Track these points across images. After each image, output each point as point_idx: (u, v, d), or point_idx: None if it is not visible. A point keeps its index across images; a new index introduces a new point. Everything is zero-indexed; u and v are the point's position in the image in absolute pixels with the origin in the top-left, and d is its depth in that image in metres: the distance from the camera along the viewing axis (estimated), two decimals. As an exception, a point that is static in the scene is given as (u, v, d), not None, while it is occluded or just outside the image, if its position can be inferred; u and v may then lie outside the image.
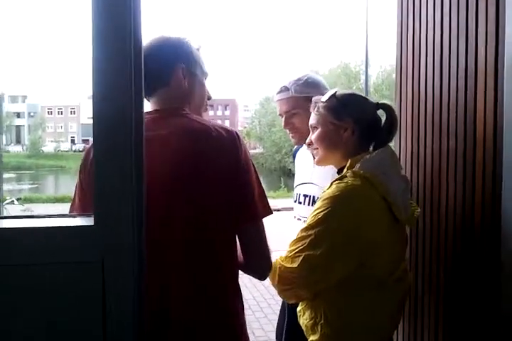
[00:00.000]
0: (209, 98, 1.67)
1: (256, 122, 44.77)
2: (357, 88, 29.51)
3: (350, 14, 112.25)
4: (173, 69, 1.55)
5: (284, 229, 2.28)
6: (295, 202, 2.27)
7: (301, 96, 2.16)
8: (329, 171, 2.06)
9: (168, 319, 1.41)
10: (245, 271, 1.55)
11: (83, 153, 1.57)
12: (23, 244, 0.96)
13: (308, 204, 2.18)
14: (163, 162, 1.42)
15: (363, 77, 28.61)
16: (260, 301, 5.44)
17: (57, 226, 0.99)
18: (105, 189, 0.96)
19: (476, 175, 1.81)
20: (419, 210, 1.82)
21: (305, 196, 2.22)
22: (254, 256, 1.52)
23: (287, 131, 2.23)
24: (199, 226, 1.43)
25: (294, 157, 2.48)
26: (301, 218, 2.21)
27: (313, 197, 2.16)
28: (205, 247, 1.44)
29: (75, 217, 1.10)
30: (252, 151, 38.86)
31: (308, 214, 2.12)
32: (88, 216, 1.05)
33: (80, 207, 1.53)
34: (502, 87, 1.65)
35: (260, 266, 1.54)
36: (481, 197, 1.78)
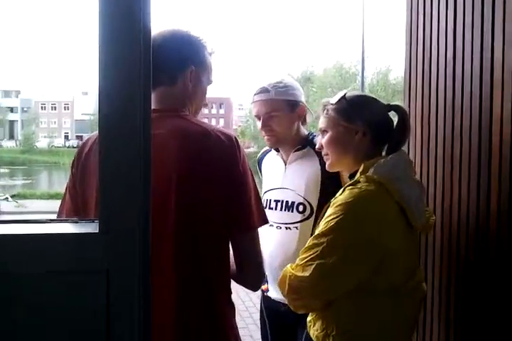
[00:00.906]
0: (205, 105, 1.62)
1: (251, 121, 44.66)
2: (352, 89, 29.51)
3: (347, 14, 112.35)
4: (184, 70, 1.48)
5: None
6: (265, 208, 2.19)
7: (281, 98, 2.13)
8: (302, 175, 2.09)
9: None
10: (237, 282, 1.51)
11: (77, 148, 1.51)
12: (21, 252, 0.89)
13: (281, 210, 2.15)
14: (157, 163, 1.36)
15: (358, 78, 28.63)
16: (257, 303, 5.35)
17: (59, 233, 0.92)
18: (111, 194, 0.89)
19: (492, 183, 1.74)
20: (434, 218, 1.76)
21: (276, 201, 2.17)
22: (248, 266, 1.48)
23: (262, 133, 2.18)
24: (190, 232, 1.38)
25: (259, 164, 2.40)
26: (274, 224, 2.16)
27: (288, 202, 2.13)
28: (196, 254, 1.39)
29: (77, 222, 1.03)
30: (246, 150, 38.70)
31: (283, 219, 2.12)
32: (92, 221, 0.99)
33: (72, 207, 1.47)
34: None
35: (253, 277, 1.51)
36: (497, 207, 1.71)
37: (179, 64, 1.48)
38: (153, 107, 1.47)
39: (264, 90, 2.14)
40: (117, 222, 0.90)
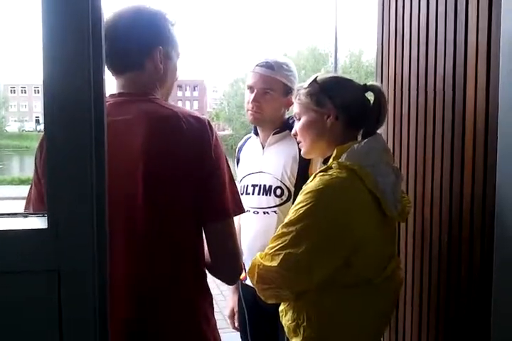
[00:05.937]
0: (176, 79, 1.55)
1: (225, 103, 44.44)
2: (326, 71, 29.43)
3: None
4: (150, 52, 1.41)
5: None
6: (242, 194, 2.17)
7: (281, 80, 2.08)
8: (280, 158, 2.05)
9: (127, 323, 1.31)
10: (213, 274, 1.43)
11: (40, 137, 1.43)
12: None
13: (258, 194, 2.11)
14: (124, 150, 1.29)
15: (331, 60, 28.55)
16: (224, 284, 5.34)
17: (3, 230, 0.84)
18: (60, 185, 0.81)
19: (465, 164, 1.71)
20: (410, 205, 1.70)
21: (254, 186, 2.13)
22: (222, 258, 1.39)
23: (250, 106, 2.11)
24: (161, 221, 1.32)
25: (239, 153, 2.34)
26: (250, 209, 2.12)
27: (265, 186, 2.09)
28: (168, 242, 1.33)
29: (26, 216, 0.95)
30: (221, 133, 38.71)
31: (261, 204, 2.08)
32: (42, 215, 0.91)
33: (37, 197, 1.41)
34: (496, 69, 1.54)
35: (229, 269, 1.42)
36: (471, 189, 1.68)
37: (145, 48, 1.41)
38: (121, 91, 1.42)
39: (269, 66, 2.08)
40: (68, 216, 0.82)
